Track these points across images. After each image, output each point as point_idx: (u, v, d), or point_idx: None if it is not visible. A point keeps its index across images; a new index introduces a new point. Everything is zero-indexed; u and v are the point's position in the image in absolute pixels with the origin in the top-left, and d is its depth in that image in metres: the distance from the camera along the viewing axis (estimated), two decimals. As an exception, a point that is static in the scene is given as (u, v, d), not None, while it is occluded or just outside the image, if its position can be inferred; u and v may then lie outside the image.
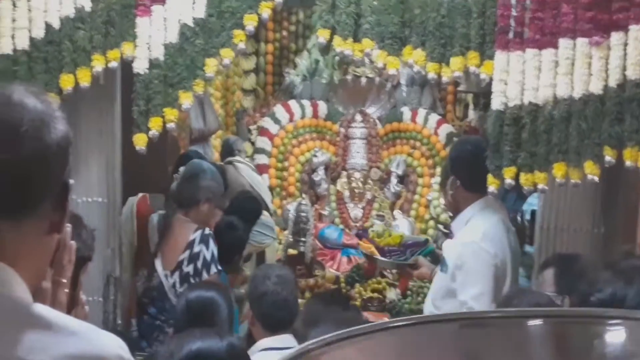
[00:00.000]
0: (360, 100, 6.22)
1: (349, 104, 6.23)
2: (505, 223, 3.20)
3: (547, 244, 3.33)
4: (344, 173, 6.14)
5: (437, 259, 3.58)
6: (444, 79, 3.28)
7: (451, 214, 3.54)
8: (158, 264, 3.58)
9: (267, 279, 2.83)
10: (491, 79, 3.17)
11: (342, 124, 6.15)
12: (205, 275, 3.53)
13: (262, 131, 6.13)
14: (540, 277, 2.69)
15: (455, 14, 3.21)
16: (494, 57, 3.13)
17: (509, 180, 3.12)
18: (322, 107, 6.20)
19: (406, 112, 6.13)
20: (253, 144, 6.15)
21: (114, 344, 1.13)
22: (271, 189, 6.06)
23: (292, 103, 6.20)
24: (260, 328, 2.81)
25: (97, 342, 1.10)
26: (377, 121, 6.15)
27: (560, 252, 3.02)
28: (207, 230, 3.58)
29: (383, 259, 3.73)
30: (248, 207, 4.60)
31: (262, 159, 6.07)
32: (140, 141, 3.31)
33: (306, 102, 6.21)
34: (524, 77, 3.08)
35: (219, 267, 3.60)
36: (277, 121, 6.14)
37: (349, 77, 6.19)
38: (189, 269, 3.52)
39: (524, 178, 3.09)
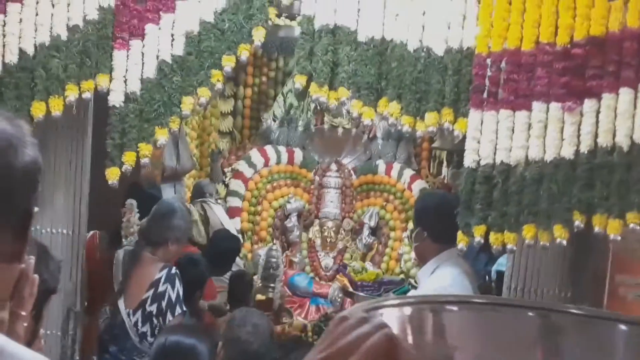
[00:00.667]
0: (336, 150, 6.24)
1: (325, 153, 6.25)
2: (469, 276, 3.25)
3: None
4: (317, 221, 6.11)
5: None
6: (418, 133, 3.28)
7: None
8: (121, 301, 3.51)
9: (242, 326, 2.78)
10: (465, 137, 3.18)
11: (317, 172, 6.15)
12: (169, 317, 3.47)
13: (237, 174, 6.10)
14: None
15: (432, 70, 3.23)
16: (468, 115, 3.14)
17: (478, 238, 3.10)
18: (298, 154, 6.21)
19: (381, 165, 6.16)
20: (227, 186, 6.11)
21: None
22: (243, 232, 6.00)
23: (268, 148, 6.19)
24: None
25: None
26: (352, 172, 6.16)
27: None
28: (174, 270, 3.53)
29: (356, 292, 3.71)
30: (229, 245, 4.61)
31: (235, 202, 6.03)
32: (113, 175, 3.25)
33: (282, 148, 6.21)
34: (496, 137, 3.09)
35: (184, 308, 3.54)
36: (252, 165, 6.13)
37: (325, 126, 6.22)
38: (152, 308, 3.45)
39: (493, 237, 3.07)
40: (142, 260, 3.58)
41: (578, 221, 2.95)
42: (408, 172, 5.86)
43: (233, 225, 5.70)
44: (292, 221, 6.03)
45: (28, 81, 3.22)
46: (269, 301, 5.25)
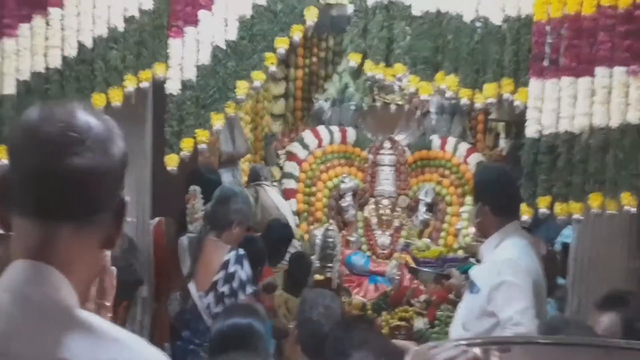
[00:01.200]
0: (389, 128, 6.19)
1: (378, 130, 6.21)
2: (534, 247, 3.21)
3: (581, 276, 3.23)
4: (372, 200, 6.09)
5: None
6: (477, 105, 3.23)
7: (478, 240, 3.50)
8: (192, 285, 3.57)
9: (314, 307, 2.80)
10: (525, 107, 3.12)
11: (370, 150, 6.12)
12: (241, 296, 3.54)
13: (291, 156, 6.12)
14: (593, 317, 2.59)
15: (489, 41, 3.17)
16: (529, 85, 3.07)
17: (543, 210, 3.05)
18: (351, 133, 6.18)
19: (435, 140, 6.09)
20: (281, 168, 6.14)
21: (159, 355, 1.13)
22: (298, 214, 6.03)
23: (321, 129, 6.19)
24: (299, 350, 2.79)
25: (142, 352, 1.11)
26: (406, 149, 6.11)
27: (616, 292, 2.90)
28: (241, 251, 3.60)
29: (419, 267, 3.70)
30: (281, 234, 4.67)
31: (290, 184, 6.05)
32: (172, 162, 3.30)
33: (335, 128, 6.19)
34: (559, 105, 3.02)
35: (254, 287, 3.62)
36: (305, 146, 6.13)
37: (378, 104, 6.18)
38: (224, 289, 3.52)
39: (558, 208, 3.01)
40: (208, 245, 3.64)
41: (647, 188, 2.88)
42: (463, 146, 5.79)
43: (289, 207, 5.73)
44: (347, 200, 6.03)
45: (88, 73, 3.28)
46: (328, 281, 5.28)
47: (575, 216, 3.01)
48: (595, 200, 2.95)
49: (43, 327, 1.07)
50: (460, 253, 4.04)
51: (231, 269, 3.52)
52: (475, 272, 3.23)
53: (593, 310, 2.59)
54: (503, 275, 2.99)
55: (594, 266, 3.24)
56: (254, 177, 5.61)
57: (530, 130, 3.07)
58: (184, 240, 3.86)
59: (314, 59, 6.55)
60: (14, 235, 1.11)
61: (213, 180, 4.37)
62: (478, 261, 3.43)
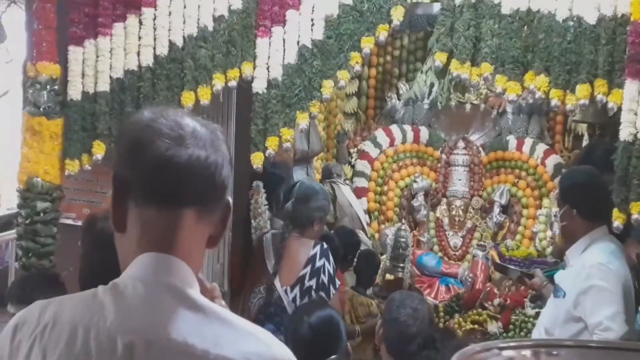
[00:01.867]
0: (462, 127, 6.11)
1: (451, 130, 6.13)
2: (623, 252, 3.12)
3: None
4: (444, 200, 6.03)
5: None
6: (568, 106, 3.15)
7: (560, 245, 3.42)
8: (276, 281, 3.62)
9: (402, 308, 2.80)
10: (619, 109, 3.03)
11: (443, 150, 6.06)
12: (332, 290, 3.59)
13: (363, 154, 6.11)
14: None
15: (583, 40, 3.09)
16: (624, 86, 2.98)
17: (636, 216, 2.96)
18: (424, 132, 6.13)
19: (512, 140, 5.97)
20: (353, 167, 6.14)
21: (287, 351, 1.18)
22: (369, 212, 6.02)
23: (394, 127, 6.16)
24: (385, 349, 2.79)
25: (274, 346, 1.16)
26: (481, 149, 6.02)
27: None
28: (325, 245, 3.63)
29: (504, 264, 3.65)
30: (349, 241, 4.66)
31: (361, 182, 6.05)
32: (257, 160, 3.34)
33: (407, 127, 6.15)
34: (656, 108, 2.93)
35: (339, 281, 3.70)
36: (377, 145, 6.12)
37: (452, 103, 6.11)
38: (311, 282, 3.57)
39: (652, 214, 2.92)
40: (292, 242, 3.69)
41: None
42: (541, 147, 5.66)
43: (361, 206, 5.73)
44: (419, 200, 5.99)
45: (178, 72, 3.35)
46: (399, 281, 5.25)
47: (670, 223, 2.91)
48: (691, 207, 2.85)
49: (178, 315, 1.12)
50: (550, 258, 3.96)
51: (318, 263, 3.57)
52: (561, 277, 3.17)
53: None
54: (592, 280, 2.93)
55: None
56: (327, 175, 5.63)
57: (624, 134, 2.98)
58: (268, 236, 3.90)
59: (388, 58, 6.52)
60: (135, 229, 1.16)
61: (276, 174, 4.40)
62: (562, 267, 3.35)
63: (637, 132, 2.96)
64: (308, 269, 3.56)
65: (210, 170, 1.16)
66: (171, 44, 3.33)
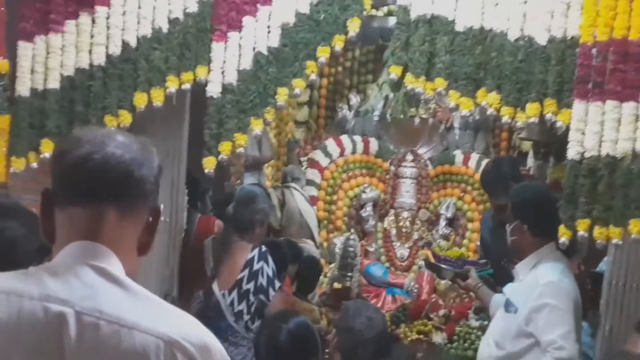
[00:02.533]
0: (411, 140, 6.19)
1: (401, 143, 6.20)
2: (570, 269, 3.20)
3: (615, 301, 3.22)
4: (392, 211, 6.09)
5: (491, 285, 3.56)
6: (519, 124, 3.23)
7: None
8: (215, 285, 3.58)
9: (357, 316, 2.80)
10: (567, 128, 3.11)
11: (392, 162, 6.12)
12: (271, 292, 3.53)
13: (313, 163, 6.12)
14: (633, 341, 2.59)
15: (533, 60, 3.17)
16: (572, 106, 3.07)
17: (582, 233, 3.04)
18: (374, 143, 6.18)
19: (458, 155, 6.09)
20: (303, 175, 6.14)
21: (214, 337, 1.23)
22: (319, 221, 6.03)
23: (344, 138, 6.19)
24: (339, 358, 2.79)
25: (202, 329, 1.22)
26: (428, 162, 6.11)
27: None
28: (264, 248, 3.60)
29: (438, 264, 3.71)
30: (313, 270, 4.64)
31: (311, 191, 6.05)
32: (209, 164, 3.31)
33: (358, 138, 6.19)
34: (602, 129, 3.02)
35: (280, 284, 3.64)
36: (328, 154, 6.14)
37: (401, 116, 6.18)
38: (249, 286, 3.51)
39: (598, 231, 3.01)
40: (232, 245, 3.64)
41: (687, 215, 2.87)
42: (487, 162, 5.78)
43: (313, 214, 5.72)
44: (368, 211, 6.03)
45: (131, 72, 3.29)
46: (347, 290, 5.26)
47: (615, 241, 3.00)
48: (635, 226, 2.94)
49: (108, 291, 1.16)
50: (481, 260, 4.05)
51: (256, 266, 3.51)
52: (512, 292, 3.20)
53: (632, 334, 2.58)
54: (545, 298, 2.97)
55: (628, 291, 3.22)
56: (283, 179, 5.62)
57: (572, 152, 3.07)
58: (207, 241, 3.86)
59: (340, 68, 6.56)
60: (62, 228, 1.20)
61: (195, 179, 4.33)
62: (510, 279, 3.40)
63: (584, 151, 3.05)
64: (246, 272, 3.51)
65: (126, 166, 1.19)
66: (124, 44, 3.27)
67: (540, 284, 3.01)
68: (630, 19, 2.97)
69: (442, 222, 5.80)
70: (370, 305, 3.03)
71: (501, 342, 3.10)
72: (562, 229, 3.05)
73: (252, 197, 3.69)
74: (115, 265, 1.19)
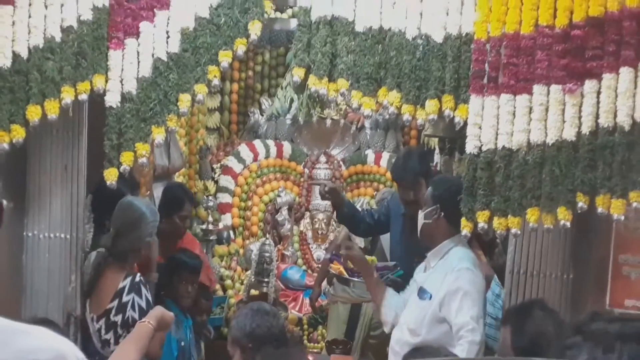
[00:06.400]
0: (324, 142, 6.24)
1: (313, 145, 6.24)
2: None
3: (517, 288, 3.32)
4: (308, 214, 6.11)
5: (401, 286, 3.61)
6: (419, 121, 3.28)
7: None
8: (87, 305, 3.44)
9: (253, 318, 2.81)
10: (465, 123, 3.18)
11: (306, 164, 6.15)
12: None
13: (226, 170, 6.07)
14: (501, 334, 2.70)
15: (431, 57, 3.22)
16: (469, 101, 3.14)
17: (482, 224, 3.11)
18: (287, 147, 6.19)
19: (370, 154, 6.18)
20: (216, 182, 6.08)
21: (70, 344, 1.20)
22: (234, 228, 5.98)
23: (257, 142, 6.17)
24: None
25: (53, 340, 1.18)
26: (342, 163, 6.17)
27: (516, 306, 3.04)
28: (137, 278, 3.39)
29: (352, 278, 3.73)
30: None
31: (225, 198, 6.00)
32: (111, 176, 3.20)
33: (270, 142, 6.19)
34: (498, 122, 3.10)
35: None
36: (241, 160, 6.10)
37: (313, 118, 6.21)
38: (117, 318, 3.34)
39: (497, 222, 3.09)
40: (105, 268, 3.46)
41: (581, 202, 2.98)
42: (396, 157, 5.87)
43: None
44: (283, 215, 6.03)
45: (23, 84, 3.16)
46: (264, 296, 5.23)
47: (514, 230, 3.09)
48: (532, 215, 3.04)
49: None
50: (389, 263, 4.12)
51: (125, 298, 3.33)
52: (424, 279, 3.29)
53: (502, 328, 2.69)
54: (460, 282, 3.12)
55: (529, 279, 3.33)
56: None
57: (470, 146, 3.14)
58: (92, 255, 3.57)
59: (250, 73, 6.54)
60: None
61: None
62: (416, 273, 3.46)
63: (482, 144, 3.12)
64: (115, 303, 3.33)
65: None
66: (15, 55, 3.13)
67: (455, 270, 3.15)
68: (521, 13, 3.06)
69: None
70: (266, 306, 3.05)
71: (416, 329, 3.17)
72: (463, 221, 3.12)
73: (135, 223, 3.45)
74: None
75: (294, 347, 2.76)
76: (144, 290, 3.38)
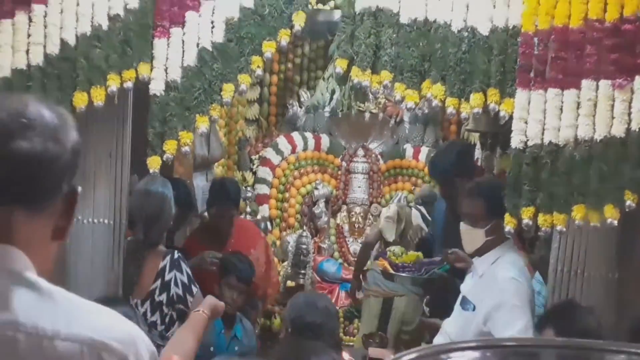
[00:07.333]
0: (362, 135, 6.22)
1: (351, 138, 6.22)
2: (527, 267, 3.27)
3: (561, 287, 3.26)
4: (345, 207, 6.10)
5: (451, 282, 3.56)
6: (463, 114, 3.24)
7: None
8: (131, 293, 3.46)
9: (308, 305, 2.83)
10: (511, 117, 3.14)
11: (344, 158, 6.13)
12: (189, 298, 3.39)
13: (264, 161, 6.09)
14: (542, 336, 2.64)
15: (476, 50, 3.18)
16: (515, 95, 3.10)
17: (526, 220, 3.07)
18: (325, 140, 6.18)
19: (409, 149, 6.14)
20: (254, 173, 6.11)
21: (137, 327, 1.19)
22: (271, 219, 6.00)
23: (295, 135, 6.17)
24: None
25: (123, 321, 1.17)
26: (379, 157, 6.14)
27: (558, 308, 2.96)
28: (176, 255, 3.45)
29: (397, 273, 3.70)
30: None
31: (263, 189, 6.02)
32: (154, 163, 3.23)
33: (309, 135, 6.19)
34: (544, 117, 3.05)
35: (197, 286, 3.47)
36: (279, 152, 6.11)
37: (352, 111, 6.19)
38: (161, 297, 3.38)
39: (542, 219, 3.04)
40: (143, 252, 3.50)
41: (629, 200, 2.91)
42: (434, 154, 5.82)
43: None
44: (320, 207, 6.03)
45: (70, 72, 3.20)
46: (300, 287, 5.25)
47: (559, 227, 3.03)
48: (578, 212, 2.98)
49: (24, 299, 1.09)
50: (436, 258, 4.07)
51: (167, 276, 3.37)
52: (469, 289, 3.21)
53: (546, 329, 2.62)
54: (505, 296, 3.00)
55: (572, 278, 3.27)
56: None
57: (515, 141, 3.09)
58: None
59: (289, 65, 6.54)
60: None
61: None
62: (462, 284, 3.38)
63: (527, 139, 3.07)
64: (158, 283, 3.37)
65: (43, 165, 1.10)
66: (63, 43, 3.18)
67: (499, 281, 3.03)
68: (570, 6, 3.01)
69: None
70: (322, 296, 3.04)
71: (458, 339, 3.09)
72: (507, 217, 3.07)
73: (160, 207, 3.49)
74: (28, 268, 1.12)
75: (322, 343, 2.74)
76: (183, 266, 3.43)
